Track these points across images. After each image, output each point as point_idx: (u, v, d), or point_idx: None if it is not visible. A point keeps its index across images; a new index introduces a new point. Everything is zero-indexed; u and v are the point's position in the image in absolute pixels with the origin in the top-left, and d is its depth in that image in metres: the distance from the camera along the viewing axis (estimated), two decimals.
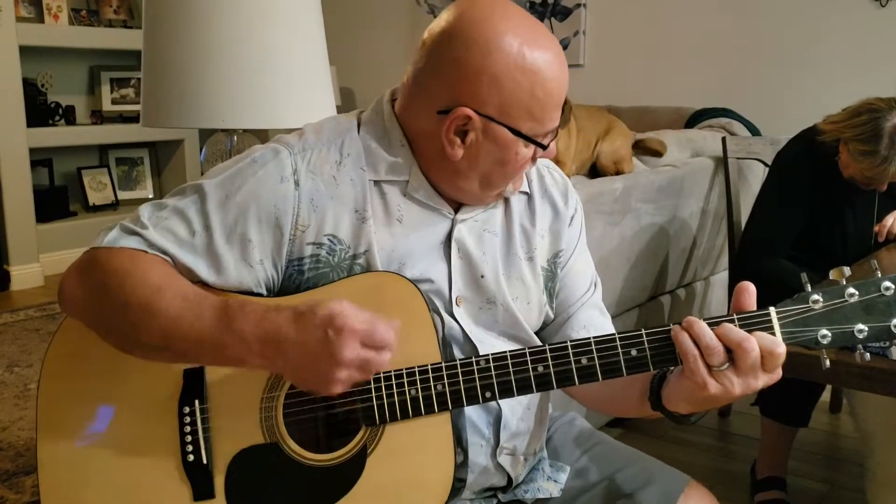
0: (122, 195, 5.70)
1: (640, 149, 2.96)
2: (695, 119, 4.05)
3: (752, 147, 3.17)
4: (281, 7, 1.92)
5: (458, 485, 1.19)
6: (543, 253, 1.31)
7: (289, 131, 1.29)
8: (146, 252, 1.11)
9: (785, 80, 4.22)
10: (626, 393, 1.22)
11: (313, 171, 1.17)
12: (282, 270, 1.18)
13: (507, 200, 1.29)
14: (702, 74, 4.46)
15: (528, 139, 1.16)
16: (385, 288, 1.14)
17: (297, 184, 1.16)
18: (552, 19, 4.95)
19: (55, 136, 5.21)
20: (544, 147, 1.18)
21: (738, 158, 3.14)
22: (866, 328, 1.05)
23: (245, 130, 2.04)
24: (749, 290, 1.09)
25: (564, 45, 4.91)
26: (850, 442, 2.96)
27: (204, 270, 1.13)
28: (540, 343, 1.31)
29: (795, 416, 2.52)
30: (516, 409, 1.26)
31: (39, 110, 5.18)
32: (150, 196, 5.82)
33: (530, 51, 1.12)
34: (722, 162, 3.16)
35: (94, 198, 5.52)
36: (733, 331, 1.04)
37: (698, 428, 3.05)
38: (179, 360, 1.12)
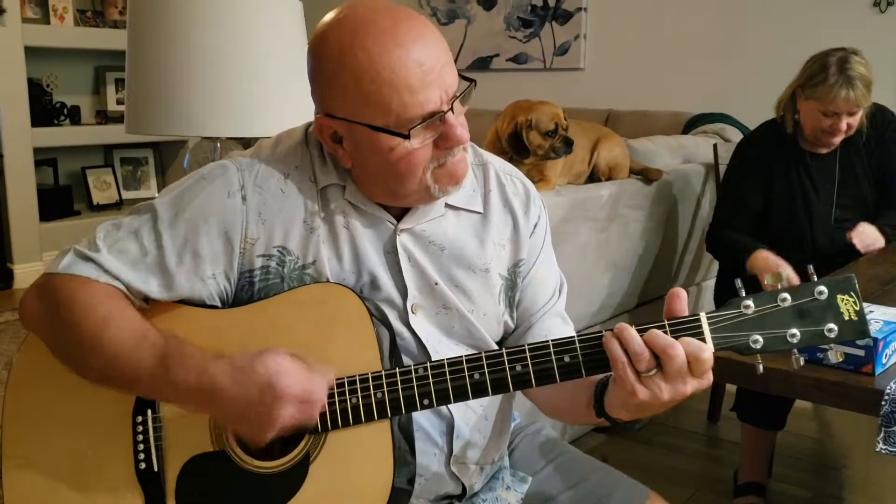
0: (127, 195, 5.74)
1: (640, 175, 2.97)
2: (692, 124, 4.06)
3: None
4: (263, 16, 1.95)
5: (406, 490, 1.21)
6: (503, 263, 1.31)
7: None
8: (97, 281, 1.14)
9: (783, 86, 4.20)
10: (574, 401, 1.22)
11: (260, 185, 1.20)
12: (234, 282, 1.20)
13: (458, 215, 1.28)
14: (701, 79, 4.46)
15: (386, 131, 1.11)
16: (329, 300, 1.16)
17: (244, 198, 1.19)
18: (553, 23, 4.96)
19: (60, 135, 5.27)
20: (406, 136, 1.11)
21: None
22: (799, 332, 1.04)
23: (228, 138, 2.06)
24: (680, 295, 1.08)
25: (565, 49, 4.93)
26: (835, 449, 2.96)
27: (155, 289, 1.16)
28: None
29: (770, 419, 2.54)
30: (470, 419, 1.27)
31: (45, 110, 5.24)
32: (155, 195, 5.85)
33: (351, 48, 1.09)
34: (713, 168, 3.17)
35: (99, 197, 5.57)
36: (660, 337, 1.03)
37: (686, 433, 3.06)
38: (121, 391, 1.15)
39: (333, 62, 1.11)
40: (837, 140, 2.57)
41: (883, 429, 1.28)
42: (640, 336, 1.04)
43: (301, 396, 1.06)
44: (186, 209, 1.18)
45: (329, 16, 1.14)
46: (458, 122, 1.14)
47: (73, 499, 1.16)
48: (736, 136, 3.78)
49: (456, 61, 5.53)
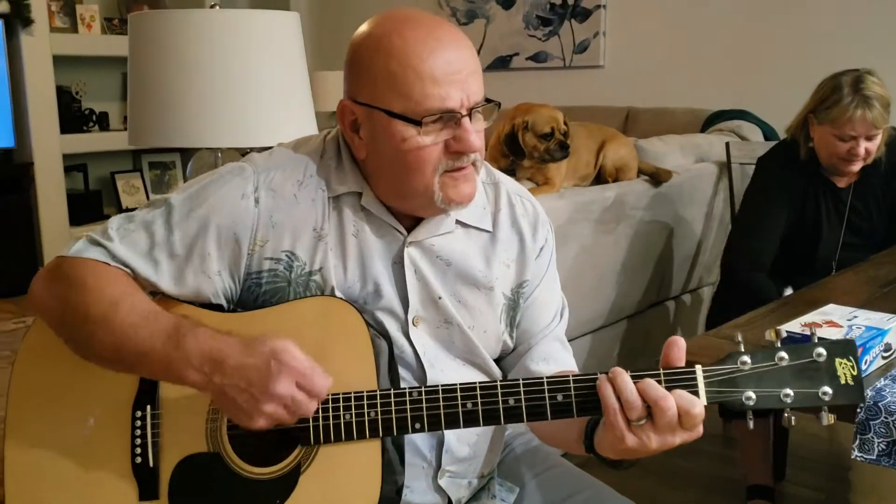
0: (155, 198, 5.85)
1: (649, 176, 2.95)
2: (711, 120, 4.03)
3: (756, 152, 3.11)
4: (259, 30, 1.98)
5: (393, 501, 1.22)
6: (507, 282, 1.31)
7: (264, 149, 1.34)
8: (108, 264, 1.18)
9: (803, 82, 4.11)
10: (566, 432, 1.22)
11: (274, 189, 1.22)
12: (240, 282, 1.23)
13: (467, 232, 1.29)
14: (721, 76, 4.42)
15: (402, 117, 1.14)
16: (330, 314, 1.18)
17: (257, 201, 1.21)
18: (572, 21, 4.95)
19: (89, 141, 5.39)
20: (418, 123, 1.14)
21: (741, 164, 3.12)
22: (793, 393, 1.04)
23: (228, 148, 2.11)
24: (679, 344, 1.08)
25: (584, 47, 4.91)
26: (848, 450, 2.93)
27: (164, 281, 1.20)
28: (498, 371, 1.33)
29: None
30: (463, 436, 1.28)
31: (74, 117, 5.36)
32: None
33: (389, 34, 1.15)
34: (726, 167, 3.15)
35: (128, 201, 5.68)
36: (653, 387, 1.03)
37: (704, 434, 3.04)
38: (129, 372, 1.17)
39: (370, 48, 1.16)
40: (856, 167, 2.42)
41: (858, 436, 1.27)
42: (635, 384, 1.04)
43: (301, 374, 1.07)
44: (200, 206, 1.21)
45: (376, 16, 1.21)
46: (473, 130, 1.16)
47: (70, 485, 1.19)
48: (753, 133, 3.75)
49: None
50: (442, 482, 1.28)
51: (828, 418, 1.05)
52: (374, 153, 1.21)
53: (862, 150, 2.37)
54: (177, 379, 1.13)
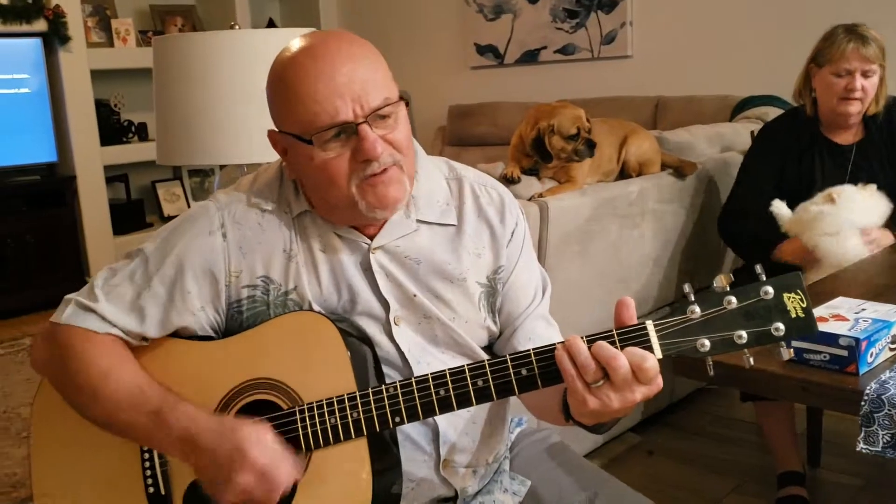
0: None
1: (673, 168, 2.96)
2: (741, 107, 4.00)
3: None
4: (280, 47, 2.03)
5: (393, 496, 1.27)
6: (481, 271, 1.36)
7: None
8: (97, 333, 1.26)
9: None
10: (550, 407, 1.27)
11: (239, 221, 1.29)
12: (223, 313, 1.30)
13: (431, 229, 1.34)
14: (750, 61, 4.38)
15: (297, 137, 1.21)
16: (305, 328, 1.25)
17: (224, 235, 1.29)
18: (598, 12, 4.95)
19: (129, 152, 5.52)
20: (308, 142, 1.19)
21: None
22: (746, 334, 1.05)
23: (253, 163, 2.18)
24: (628, 303, 1.12)
25: (611, 38, 4.91)
26: None
27: (151, 330, 1.27)
28: (485, 356, 1.37)
29: None
30: (457, 424, 1.33)
31: (113, 129, 5.50)
32: None
33: (281, 64, 1.23)
34: None
35: (169, 209, 5.80)
36: (604, 348, 1.07)
37: (737, 422, 3.05)
38: (121, 437, 1.26)
39: (271, 81, 1.25)
40: (854, 108, 2.50)
41: (863, 428, 1.29)
42: (588, 347, 1.08)
43: (263, 470, 1.15)
44: (173, 251, 1.28)
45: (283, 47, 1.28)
46: (371, 137, 1.19)
47: None
48: None
49: (504, 56, 5.52)
50: (445, 472, 1.32)
51: (787, 353, 1.07)
52: (300, 174, 1.29)
53: (858, 85, 2.47)
54: (160, 451, 1.25)
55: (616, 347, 1.09)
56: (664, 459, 2.83)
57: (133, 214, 5.59)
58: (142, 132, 5.67)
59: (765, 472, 2.69)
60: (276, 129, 1.27)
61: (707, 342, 1.07)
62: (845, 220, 2.31)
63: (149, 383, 1.24)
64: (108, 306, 1.26)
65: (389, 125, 1.22)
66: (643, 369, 1.07)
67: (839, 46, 2.47)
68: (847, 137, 2.63)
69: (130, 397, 1.21)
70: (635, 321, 1.11)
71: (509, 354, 1.16)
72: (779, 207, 2.46)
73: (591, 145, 2.59)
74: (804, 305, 1.06)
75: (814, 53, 2.59)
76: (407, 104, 1.26)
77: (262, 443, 1.15)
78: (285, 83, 1.21)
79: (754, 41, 4.39)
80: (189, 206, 5.77)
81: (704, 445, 2.92)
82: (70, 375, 1.25)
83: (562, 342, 1.11)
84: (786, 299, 1.06)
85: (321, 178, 1.23)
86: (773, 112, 3.71)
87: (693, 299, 1.07)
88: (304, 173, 1.27)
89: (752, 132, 3.14)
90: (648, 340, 1.09)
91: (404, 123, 1.25)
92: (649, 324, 1.09)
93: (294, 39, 1.26)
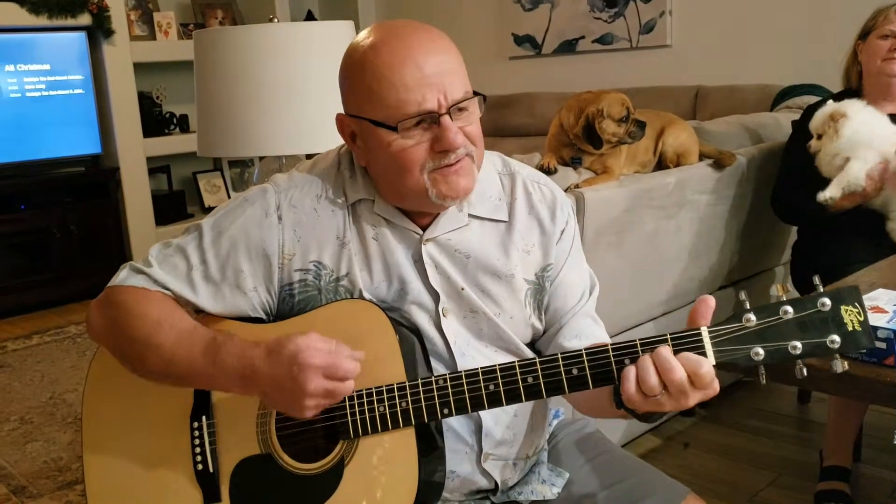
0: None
1: (712, 159, 2.94)
2: (782, 96, 3.95)
3: None
4: (315, 43, 2.06)
5: (436, 486, 1.29)
6: (530, 268, 1.37)
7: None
8: (149, 290, 1.29)
9: None
10: (599, 397, 1.28)
11: (295, 205, 1.32)
12: (276, 295, 1.33)
13: (482, 224, 1.35)
14: (791, 50, 4.33)
15: (381, 125, 1.22)
16: (357, 315, 1.27)
17: (280, 218, 1.31)
18: (637, 1, 4.91)
19: (171, 144, 5.61)
20: (394, 129, 1.21)
21: None
22: (801, 345, 1.05)
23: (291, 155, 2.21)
24: (708, 303, 1.13)
25: (650, 27, 4.87)
26: None
27: (203, 300, 1.30)
28: (531, 354, 1.38)
29: None
30: (501, 418, 1.34)
31: (156, 121, 5.59)
32: None
33: (365, 50, 1.24)
34: None
35: (210, 200, 5.89)
36: (663, 359, 1.09)
37: (774, 415, 3.03)
38: (180, 385, 1.29)
39: (352, 66, 1.26)
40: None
41: None
42: (647, 355, 1.10)
43: (324, 366, 1.15)
44: (229, 229, 1.31)
45: (363, 31, 1.29)
46: (454, 128, 1.22)
47: (145, 496, 1.31)
48: None
49: (541, 46, 5.50)
50: (486, 465, 1.34)
51: (841, 365, 1.05)
52: (371, 160, 1.29)
53: None
54: (223, 390, 1.26)
55: (668, 347, 1.10)
56: (700, 452, 2.81)
57: (175, 205, 5.68)
58: (183, 124, 5.75)
59: (802, 465, 2.68)
60: (349, 114, 1.29)
61: (761, 351, 1.07)
62: (864, 124, 2.49)
63: (200, 326, 1.26)
64: (161, 272, 1.30)
65: (466, 118, 1.26)
66: (699, 375, 1.08)
67: (883, 13, 2.63)
68: (892, 108, 2.63)
69: (183, 340, 1.23)
70: (708, 321, 1.12)
71: (560, 353, 1.17)
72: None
73: (641, 125, 2.58)
74: (861, 319, 1.05)
75: (861, 31, 2.71)
76: (484, 100, 1.28)
77: (309, 345, 1.16)
78: (371, 69, 1.22)
79: (795, 29, 4.32)
80: (229, 197, 5.89)
81: (741, 438, 2.90)
82: (125, 330, 1.27)
83: (615, 344, 1.13)
84: (843, 312, 1.05)
85: (394, 165, 1.25)
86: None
87: (748, 307, 1.08)
88: (375, 158, 1.28)
89: (792, 122, 3.10)
90: (703, 346, 1.10)
91: (477, 117, 1.28)
92: (704, 330, 1.10)
93: (371, 28, 1.28)
